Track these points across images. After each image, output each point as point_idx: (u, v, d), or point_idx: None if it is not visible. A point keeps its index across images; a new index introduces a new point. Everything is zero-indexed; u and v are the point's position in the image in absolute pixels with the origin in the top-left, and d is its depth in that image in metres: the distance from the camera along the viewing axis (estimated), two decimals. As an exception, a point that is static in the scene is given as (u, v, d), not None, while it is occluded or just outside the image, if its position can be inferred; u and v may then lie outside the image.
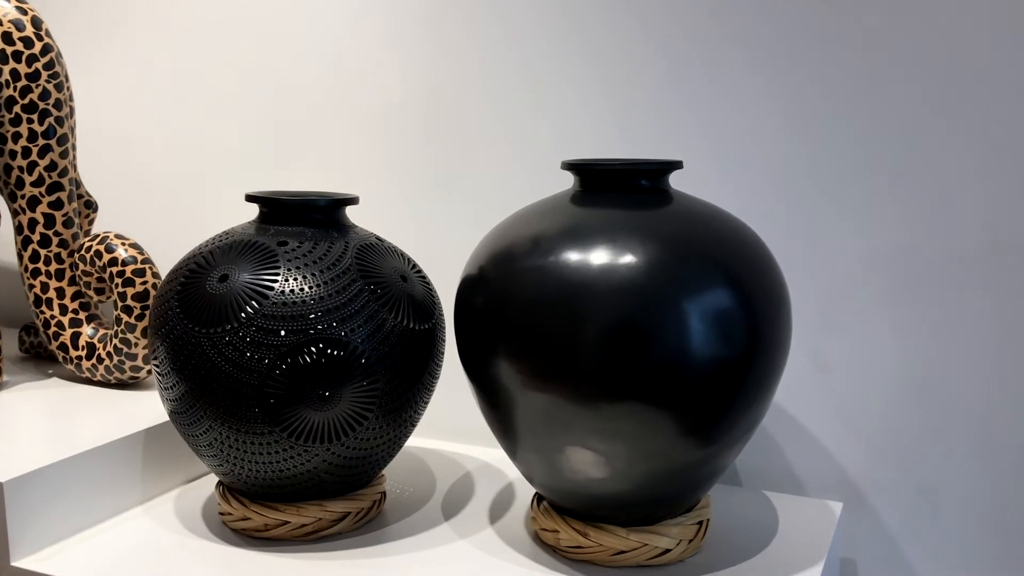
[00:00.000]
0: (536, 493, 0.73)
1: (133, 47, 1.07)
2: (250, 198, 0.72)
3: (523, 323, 0.62)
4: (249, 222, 0.73)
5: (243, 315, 0.64)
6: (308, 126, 0.99)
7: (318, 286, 0.66)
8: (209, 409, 0.65)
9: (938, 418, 0.79)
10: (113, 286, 0.87)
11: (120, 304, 0.87)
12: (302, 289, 0.65)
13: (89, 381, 0.93)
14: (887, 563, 0.82)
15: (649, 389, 0.60)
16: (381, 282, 0.68)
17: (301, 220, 0.71)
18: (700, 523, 0.69)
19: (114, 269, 0.87)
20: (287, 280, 0.66)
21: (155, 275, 0.88)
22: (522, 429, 0.64)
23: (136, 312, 0.87)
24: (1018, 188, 0.75)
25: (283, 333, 0.64)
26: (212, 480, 0.83)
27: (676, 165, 0.67)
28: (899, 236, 0.78)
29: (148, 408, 0.84)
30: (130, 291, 0.86)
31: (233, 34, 1.02)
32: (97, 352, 0.90)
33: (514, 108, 0.89)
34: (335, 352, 0.65)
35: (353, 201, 0.73)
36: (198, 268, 0.68)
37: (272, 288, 0.65)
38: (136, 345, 0.87)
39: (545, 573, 0.67)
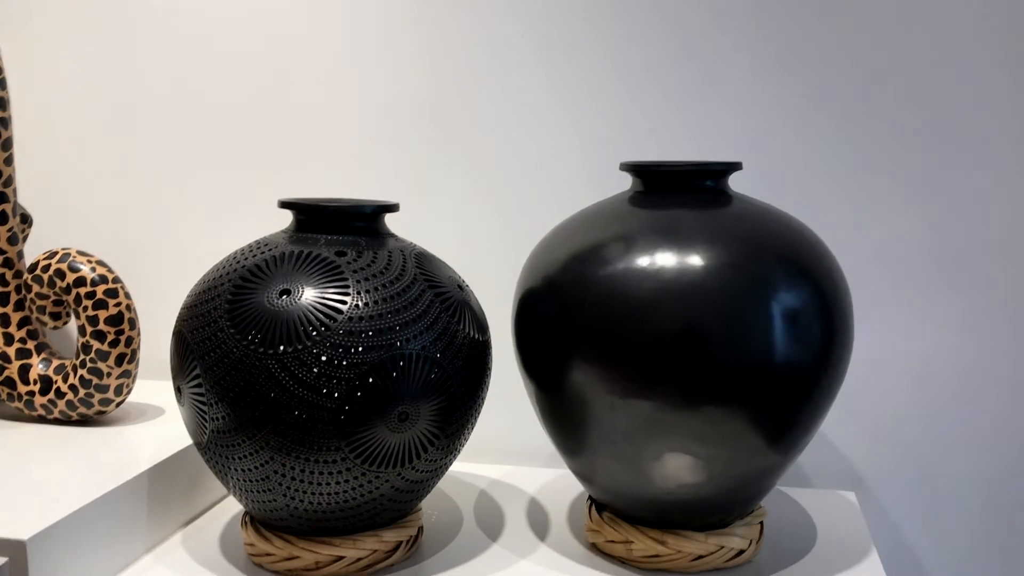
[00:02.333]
0: (591, 504, 0.71)
1: (68, 43, 0.96)
2: (285, 204, 0.66)
3: (620, 328, 0.60)
4: (283, 231, 0.67)
5: (315, 333, 0.59)
6: (279, 131, 0.93)
7: (391, 298, 0.61)
8: (273, 437, 0.59)
9: (939, 408, 0.84)
10: (81, 310, 0.77)
11: (89, 330, 0.77)
12: (375, 302, 0.60)
13: (42, 419, 0.81)
14: (890, 549, 0.86)
15: (756, 390, 0.59)
16: (446, 292, 0.65)
17: (345, 228, 0.66)
18: (761, 523, 0.70)
19: (81, 290, 0.77)
20: (359, 293, 0.60)
21: (127, 295, 0.78)
22: (610, 437, 0.62)
23: (110, 338, 0.77)
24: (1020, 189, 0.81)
25: (362, 350, 0.59)
26: (215, 518, 0.75)
27: (736, 166, 0.68)
28: (906, 234, 0.83)
29: (127, 444, 0.76)
30: (102, 314, 0.77)
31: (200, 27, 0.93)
32: (55, 386, 0.79)
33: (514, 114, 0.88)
34: (416, 368, 0.60)
35: (394, 208, 0.69)
36: (245, 283, 0.62)
37: (345, 302, 0.60)
38: (108, 375, 0.78)
39: (623, 585, 0.65)
